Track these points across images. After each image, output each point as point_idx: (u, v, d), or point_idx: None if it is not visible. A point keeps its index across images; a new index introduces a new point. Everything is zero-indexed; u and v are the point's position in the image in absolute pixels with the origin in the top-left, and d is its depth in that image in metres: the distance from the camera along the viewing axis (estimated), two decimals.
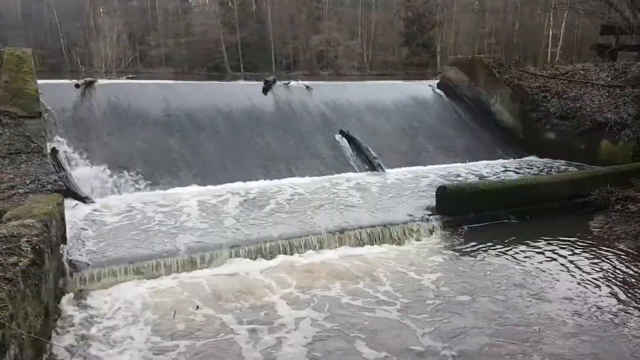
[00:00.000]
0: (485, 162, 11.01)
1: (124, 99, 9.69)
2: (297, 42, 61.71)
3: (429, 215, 7.13)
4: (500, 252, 6.36)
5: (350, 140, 10.44)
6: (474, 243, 6.63)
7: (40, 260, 3.84)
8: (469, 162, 10.95)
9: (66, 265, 5.04)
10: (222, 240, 5.93)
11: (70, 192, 7.04)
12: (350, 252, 6.13)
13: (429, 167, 10.40)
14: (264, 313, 4.69)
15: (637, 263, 6.02)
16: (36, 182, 5.81)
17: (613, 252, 6.38)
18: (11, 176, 5.99)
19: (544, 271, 5.73)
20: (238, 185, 8.45)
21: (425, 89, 13.80)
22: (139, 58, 59.25)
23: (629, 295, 5.17)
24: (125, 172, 8.18)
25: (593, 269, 5.83)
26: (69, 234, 5.69)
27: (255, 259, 5.77)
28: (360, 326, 4.46)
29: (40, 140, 7.25)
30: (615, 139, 10.26)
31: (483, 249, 6.45)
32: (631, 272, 5.76)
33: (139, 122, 9.34)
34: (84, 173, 7.87)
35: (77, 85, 9.43)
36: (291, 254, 5.98)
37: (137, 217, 6.66)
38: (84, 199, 7.16)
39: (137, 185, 8.04)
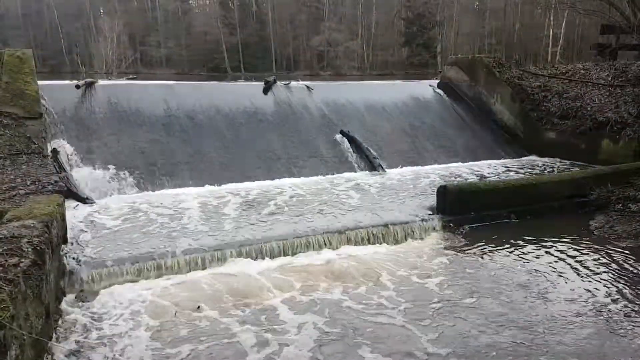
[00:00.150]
0: (485, 161, 11.01)
1: (124, 99, 9.70)
2: (298, 42, 61.75)
3: (430, 215, 7.13)
4: (501, 252, 6.36)
5: (351, 140, 10.44)
6: (475, 243, 6.63)
7: (41, 261, 3.85)
8: (469, 161, 10.96)
9: (67, 266, 5.04)
10: (223, 240, 5.93)
11: (71, 193, 7.05)
12: (351, 252, 6.13)
13: (430, 166, 10.41)
14: (263, 313, 4.69)
15: (639, 262, 6.02)
16: (37, 183, 5.82)
17: (614, 252, 6.38)
18: (12, 177, 6.00)
19: (546, 271, 5.73)
20: (238, 185, 8.46)
21: (425, 88, 13.81)
22: (140, 59, 59.28)
23: (631, 294, 5.15)
24: (126, 172, 8.19)
25: (595, 269, 5.82)
26: (69, 234, 5.70)
27: (256, 259, 5.77)
28: (362, 330, 4.42)
29: (41, 141, 7.27)
30: (616, 138, 10.26)
31: (484, 249, 6.45)
32: (633, 272, 5.76)
33: (139, 123, 9.35)
34: (84, 174, 7.89)
35: (77, 86, 9.45)
36: (292, 254, 5.98)
37: (138, 217, 6.67)
38: (84, 200, 7.17)
39: (137, 186, 8.05)
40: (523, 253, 6.30)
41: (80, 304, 4.74)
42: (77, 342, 4.13)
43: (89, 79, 9.98)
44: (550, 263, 5.98)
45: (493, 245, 6.56)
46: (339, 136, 10.59)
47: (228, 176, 8.74)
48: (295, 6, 61.30)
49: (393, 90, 13.47)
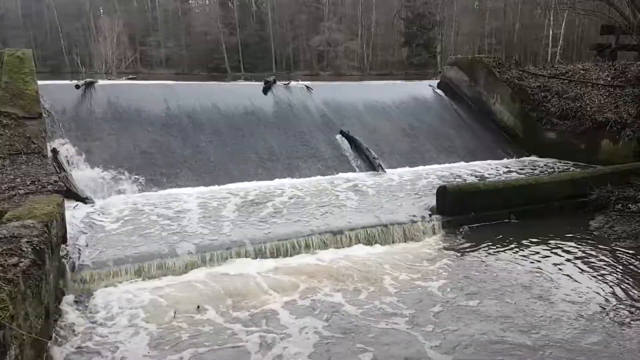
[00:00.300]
0: (485, 162, 11.01)
1: (124, 99, 9.70)
2: (297, 42, 61.77)
3: (430, 215, 7.12)
4: (502, 252, 6.36)
5: (351, 140, 10.44)
6: (475, 243, 6.62)
7: (40, 260, 3.85)
8: (469, 162, 10.96)
9: (67, 266, 5.04)
10: (222, 241, 5.92)
11: (71, 193, 7.05)
12: (351, 253, 6.13)
13: (429, 167, 10.41)
14: (263, 313, 4.69)
15: (639, 262, 6.02)
16: (37, 182, 5.82)
17: (614, 252, 6.38)
18: (12, 177, 6.00)
19: (547, 272, 5.72)
20: (238, 185, 8.46)
21: (425, 89, 13.82)
22: (139, 59, 59.29)
23: (633, 294, 5.15)
24: (126, 172, 8.19)
25: (596, 269, 5.82)
26: (69, 234, 5.69)
27: (255, 259, 5.77)
28: (362, 332, 4.39)
29: (40, 141, 7.27)
30: (616, 138, 10.26)
31: (485, 249, 6.45)
32: (634, 272, 5.76)
33: (139, 123, 9.35)
34: (84, 174, 7.88)
35: (77, 86, 9.44)
36: (292, 254, 5.97)
37: (138, 217, 6.66)
38: (84, 200, 7.17)
39: (137, 186, 8.04)
40: (523, 253, 6.30)
41: (79, 304, 4.74)
42: (76, 342, 4.13)
43: (88, 79, 9.97)
44: (551, 263, 5.97)
45: (493, 245, 6.56)
46: (338, 136, 10.59)
47: (228, 176, 8.74)
48: (295, 6, 61.33)
49: (393, 90, 13.47)
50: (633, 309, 4.83)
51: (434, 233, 6.91)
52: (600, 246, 6.59)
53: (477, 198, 7.38)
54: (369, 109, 11.94)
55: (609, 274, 5.68)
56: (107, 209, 6.93)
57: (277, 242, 6.00)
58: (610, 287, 5.34)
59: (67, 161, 7.93)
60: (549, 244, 6.62)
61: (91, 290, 4.95)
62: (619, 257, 6.22)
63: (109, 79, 13.46)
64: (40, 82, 8.61)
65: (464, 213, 7.25)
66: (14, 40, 52.53)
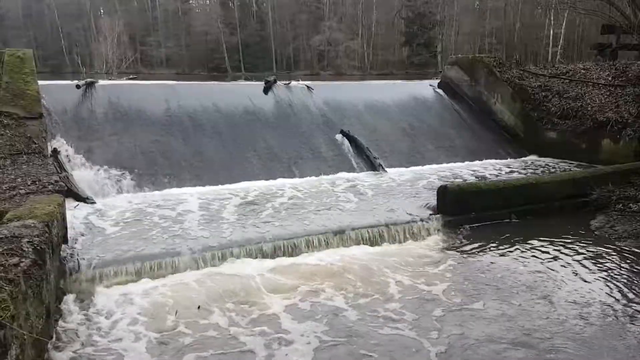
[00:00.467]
0: (486, 161, 11.00)
1: (125, 99, 9.71)
2: (298, 42, 61.81)
3: (430, 215, 7.12)
4: (503, 252, 6.35)
5: (351, 140, 10.44)
6: (476, 243, 6.62)
7: (41, 260, 3.85)
8: (469, 161, 10.95)
9: (67, 266, 5.04)
10: (223, 241, 5.92)
11: (72, 193, 7.05)
12: (351, 253, 6.12)
13: (430, 166, 10.40)
14: (264, 313, 4.69)
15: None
16: (37, 182, 5.82)
17: (615, 252, 6.37)
18: (12, 177, 6.00)
19: (549, 272, 5.71)
20: (239, 185, 8.46)
21: (425, 88, 13.80)
22: (140, 59, 59.33)
23: (636, 295, 5.14)
24: (127, 172, 8.19)
25: (598, 269, 5.80)
26: (70, 234, 5.69)
27: (256, 259, 5.76)
28: (362, 332, 4.37)
29: (41, 141, 7.27)
30: (617, 138, 10.25)
31: (486, 249, 6.44)
32: (635, 272, 5.75)
33: (140, 123, 9.35)
34: (85, 174, 7.88)
35: (78, 86, 9.45)
36: (292, 254, 5.96)
37: (138, 217, 6.67)
38: (85, 200, 7.17)
39: (138, 186, 8.04)
40: (525, 253, 6.29)
41: (80, 303, 4.74)
42: (77, 342, 4.13)
43: (89, 79, 9.98)
44: (552, 264, 5.96)
45: (494, 245, 6.55)
46: (339, 136, 10.59)
47: (228, 176, 8.73)
48: (296, 6, 61.37)
49: (393, 90, 13.46)
50: (636, 309, 4.82)
51: (435, 233, 6.90)
52: (601, 246, 6.58)
53: (477, 198, 7.37)
54: (370, 109, 11.94)
55: (611, 274, 5.67)
56: (108, 209, 6.93)
57: (278, 242, 6.00)
58: (613, 286, 5.33)
59: (68, 161, 7.93)
60: (550, 244, 6.61)
61: (92, 290, 4.95)
62: (620, 256, 6.21)
63: (110, 79, 13.48)
64: (41, 82, 8.62)
65: (465, 213, 7.25)
66: (14, 40, 52.65)
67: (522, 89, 12.33)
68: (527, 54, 46.32)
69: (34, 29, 61.58)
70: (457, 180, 9.21)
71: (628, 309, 4.85)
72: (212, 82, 15.07)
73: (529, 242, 6.66)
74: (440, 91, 13.69)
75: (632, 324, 4.56)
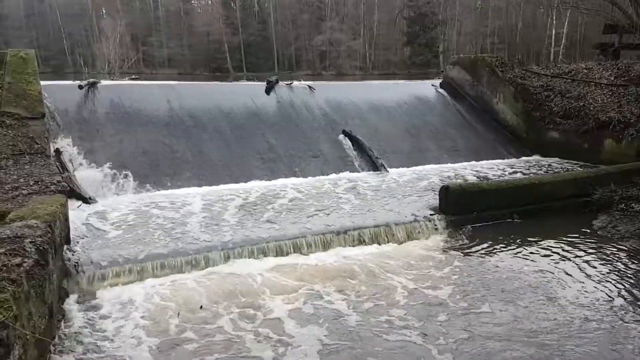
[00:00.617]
0: (488, 161, 10.98)
1: (127, 99, 9.72)
2: (300, 42, 61.82)
3: (432, 215, 7.11)
4: (506, 252, 6.34)
5: (353, 140, 10.44)
6: (478, 243, 6.61)
7: (44, 261, 3.85)
8: (471, 161, 10.93)
9: (70, 266, 5.05)
10: (224, 241, 5.93)
11: (74, 193, 7.06)
12: (353, 253, 6.12)
13: (432, 166, 10.39)
14: (264, 314, 4.70)
15: None
16: (40, 183, 5.83)
17: (618, 252, 6.36)
18: (15, 177, 6.01)
19: (552, 272, 5.69)
20: (241, 185, 8.46)
21: (427, 88, 13.79)
22: (142, 59, 59.42)
23: (638, 294, 5.13)
24: (129, 172, 8.19)
25: (601, 269, 5.79)
26: (72, 234, 5.70)
27: (257, 259, 5.77)
28: (363, 334, 4.36)
29: (43, 141, 7.28)
30: (619, 138, 10.23)
31: (489, 249, 6.43)
32: (638, 271, 5.74)
33: (142, 123, 9.36)
34: (87, 174, 7.89)
35: (80, 87, 9.46)
36: (293, 254, 5.97)
37: (141, 217, 6.67)
38: (87, 200, 7.18)
39: (140, 186, 8.05)
40: (527, 254, 6.28)
41: (83, 303, 4.74)
42: (79, 342, 4.13)
43: (91, 79, 9.99)
44: (556, 264, 5.95)
45: (497, 245, 6.55)
46: (341, 136, 10.59)
47: (230, 176, 8.74)
48: (297, 6, 61.39)
49: (395, 90, 13.46)
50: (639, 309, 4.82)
51: (437, 233, 6.90)
52: (604, 246, 6.56)
53: (479, 197, 7.36)
54: (372, 109, 11.93)
55: (615, 274, 5.65)
56: (110, 209, 6.94)
57: (280, 242, 6.00)
58: (617, 287, 5.32)
59: (70, 161, 7.95)
60: (553, 244, 6.60)
61: (94, 290, 4.96)
62: (623, 256, 6.20)
63: (112, 79, 13.52)
64: (43, 83, 8.64)
65: (467, 212, 7.24)
66: (16, 40, 52.71)
67: (524, 89, 12.31)
68: (529, 53, 46.30)
69: (36, 29, 61.67)
70: (459, 180, 9.20)
71: (633, 309, 4.83)
72: (214, 82, 15.10)
73: (532, 242, 6.65)
74: (442, 91, 13.67)
75: (638, 323, 4.54)
